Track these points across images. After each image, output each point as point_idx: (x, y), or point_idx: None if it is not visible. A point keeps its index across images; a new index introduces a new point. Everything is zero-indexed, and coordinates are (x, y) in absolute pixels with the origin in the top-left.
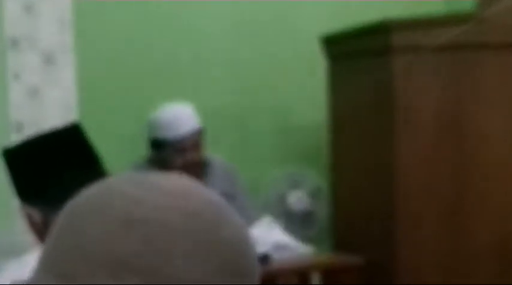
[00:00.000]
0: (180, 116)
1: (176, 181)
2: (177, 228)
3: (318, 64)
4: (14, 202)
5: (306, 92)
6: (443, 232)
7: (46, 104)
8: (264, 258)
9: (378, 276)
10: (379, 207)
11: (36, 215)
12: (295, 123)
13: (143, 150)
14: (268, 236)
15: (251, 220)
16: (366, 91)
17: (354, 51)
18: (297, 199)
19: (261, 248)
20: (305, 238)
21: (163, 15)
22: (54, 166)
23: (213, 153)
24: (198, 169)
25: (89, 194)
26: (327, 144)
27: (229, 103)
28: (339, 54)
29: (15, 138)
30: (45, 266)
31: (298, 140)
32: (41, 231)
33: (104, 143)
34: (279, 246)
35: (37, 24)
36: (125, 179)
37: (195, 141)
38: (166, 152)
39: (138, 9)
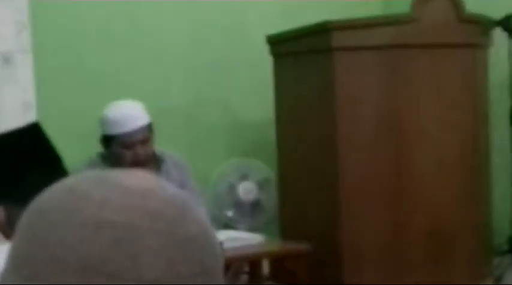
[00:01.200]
0: (127, 112)
1: (138, 179)
2: (142, 229)
3: (265, 63)
4: None
5: (253, 89)
6: (384, 220)
7: (5, 103)
8: None
9: (324, 262)
10: (323, 197)
11: (0, 212)
12: (244, 119)
13: (100, 147)
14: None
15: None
16: (310, 87)
17: (298, 51)
18: (246, 190)
19: None
20: (254, 227)
21: (120, 16)
22: (16, 165)
23: (166, 149)
24: (148, 163)
25: (54, 195)
26: (274, 138)
27: (183, 101)
28: (284, 53)
29: None
30: (14, 267)
31: (246, 135)
32: (4, 228)
33: (62, 141)
34: (230, 237)
35: None
36: (87, 180)
37: (143, 136)
38: (115, 148)
39: (96, 9)
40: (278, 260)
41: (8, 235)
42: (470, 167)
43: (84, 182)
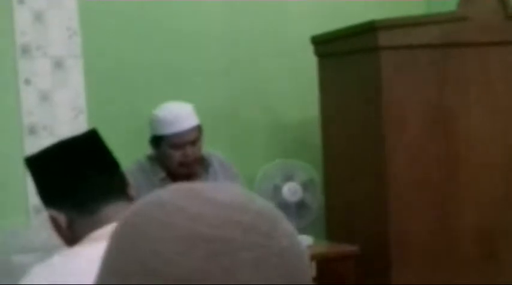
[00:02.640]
0: (178, 113)
1: (228, 192)
2: (237, 243)
3: (309, 64)
4: (30, 200)
5: (297, 90)
6: (433, 221)
7: (56, 107)
8: None
9: (372, 263)
10: (371, 198)
11: (61, 218)
12: (287, 119)
13: (149, 149)
14: None
15: None
16: (356, 87)
17: (343, 50)
18: (291, 191)
19: None
20: (299, 228)
21: (164, 20)
22: (76, 171)
23: (210, 149)
24: (197, 165)
25: (146, 208)
26: (318, 138)
27: (225, 102)
28: (329, 53)
29: (28, 141)
30: (108, 280)
31: (290, 135)
32: (66, 233)
33: (112, 145)
34: None
35: (46, 32)
36: (178, 193)
37: (193, 137)
38: (164, 149)
39: (143, 15)
40: (326, 262)
41: (69, 242)
42: None
43: (176, 196)
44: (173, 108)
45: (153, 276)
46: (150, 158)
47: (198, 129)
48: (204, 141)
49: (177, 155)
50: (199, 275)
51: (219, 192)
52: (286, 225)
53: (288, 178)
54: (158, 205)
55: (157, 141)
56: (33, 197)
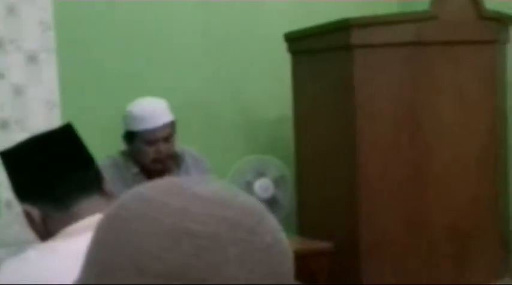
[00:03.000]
0: (152, 109)
1: (212, 188)
2: (222, 239)
3: (282, 61)
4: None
5: (270, 86)
6: (403, 218)
7: (30, 102)
8: None
9: (342, 261)
10: (342, 195)
11: (35, 212)
12: (260, 116)
13: (121, 146)
14: None
15: None
16: (329, 85)
17: (316, 48)
18: (262, 187)
19: None
20: None
21: (139, 15)
22: (51, 166)
23: (183, 145)
24: (170, 161)
25: (131, 204)
26: (290, 135)
27: (199, 98)
28: (303, 50)
29: (0, 136)
30: (92, 275)
31: (262, 132)
32: (39, 228)
33: (86, 139)
34: None
35: (20, 25)
36: (162, 189)
37: (166, 133)
38: (138, 144)
39: (115, 9)
40: (298, 258)
41: (43, 237)
42: (489, 166)
43: (160, 192)
44: (147, 104)
45: (139, 271)
46: (124, 154)
47: (172, 125)
48: (177, 136)
49: (150, 151)
50: (184, 270)
51: (203, 187)
52: (271, 221)
53: (260, 174)
54: (143, 200)
55: (130, 136)
56: (5, 192)
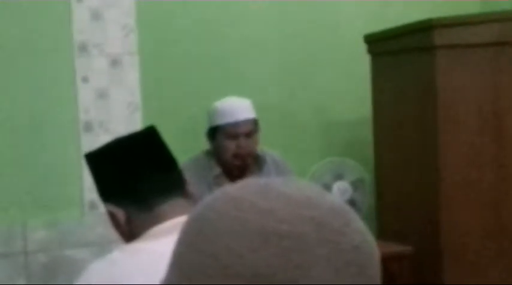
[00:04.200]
0: (235, 105)
1: (299, 188)
2: (310, 239)
3: (362, 62)
4: (86, 195)
5: (348, 88)
6: (486, 222)
7: (113, 104)
8: None
9: (423, 263)
10: (423, 197)
11: (120, 214)
12: (338, 118)
13: (205, 146)
14: None
15: None
16: (410, 86)
17: (397, 49)
18: (341, 190)
19: None
20: None
21: (220, 19)
22: (135, 167)
23: (264, 148)
24: (250, 159)
25: (217, 204)
26: (368, 138)
27: (278, 100)
28: (383, 52)
29: (84, 138)
30: (180, 275)
31: (340, 134)
32: (124, 229)
33: (168, 141)
34: None
35: (103, 30)
36: (249, 189)
37: (248, 129)
38: (219, 139)
39: (197, 12)
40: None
41: (127, 238)
42: None
43: (247, 192)
44: (231, 100)
45: (226, 271)
46: (207, 153)
47: (254, 122)
48: (259, 138)
49: (231, 146)
50: (271, 271)
51: (290, 187)
52: (358, 222)
53: (338, 177)
54: (230, 200)
55: (213, 132)
56: (89, 193)
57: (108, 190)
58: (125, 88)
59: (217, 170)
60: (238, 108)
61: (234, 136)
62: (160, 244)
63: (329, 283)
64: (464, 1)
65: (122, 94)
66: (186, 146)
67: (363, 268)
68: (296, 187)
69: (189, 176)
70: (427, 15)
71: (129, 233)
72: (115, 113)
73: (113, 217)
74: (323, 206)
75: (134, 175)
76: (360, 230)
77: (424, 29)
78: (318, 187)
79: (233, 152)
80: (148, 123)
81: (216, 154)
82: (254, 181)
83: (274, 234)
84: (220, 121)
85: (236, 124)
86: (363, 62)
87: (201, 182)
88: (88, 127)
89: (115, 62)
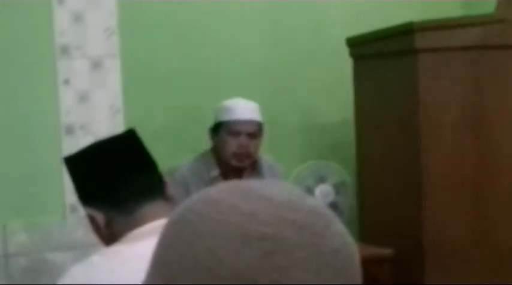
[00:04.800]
0: (241, 104)
1: (279, 190)
2: (291, 242)
3: (344, 65)
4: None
5: (330, 91)
6: (468, 222)
7: (94, 107)
8: None
9: (405, 265)
10: (405, 200)
11: (100, 217)
12: (322, 121)
13: (188, 148)
14: None
15: None
16: (392, 89)
17: (379, 52)
18: (323, 193)
19: None
20: None
21: (202, 20)
22: (115, 170)
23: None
24: (248, 161)
25: (198, 207)
26: (350, 140)
27: (260, 103)
28: (365, 55)
29: (66, 140)
30: (160, 277)
31: (324, 137)
32: (103, 232)
33: (149, 144)
34: None
35: (85, 32)
36: (230, 191)
37: (251, 129)
38: (221, 135)
39: (179, 12)
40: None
41: (107, 241)
42: None
43: (228, 194)
44: (239, 100)
45: (206, 273)
46: (207, 154)
47: (259, 125)
48: (261, 145)
49: (232, 143)
50: (252, 274)
51: (271, 190)
52: (339, 225)
53: (321, 179)
54: (211, 203)
55: (217, 127)
56: (70, 196)
57: (87, 193)
58: (107, 90)
59: (215, 172)
60: (244, 107)
61: (236, 134)
62: (140, 247)
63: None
64: (446, 3)
65: (104, 96)
66: (167, 149)
67: (343, 270)
68: (277, 189)
69: (189, 175)
70: (409, 18)
71: (109, 236)
72: (97, 116)
73: (92, 220)
74: (304, 209)
75: (113, 178)
76: (340, 233)
77: (405, 32)
78: (299, 190)
79: (233, 151)
80: (130, 126)
81: (216, 152)
82: (235, 183)
83: (255, 236)
84: (225, 117)
85: (241, 122)
86: (346, 65)
87: (200, 182)
88: (69, 129)
89: (97, 64)
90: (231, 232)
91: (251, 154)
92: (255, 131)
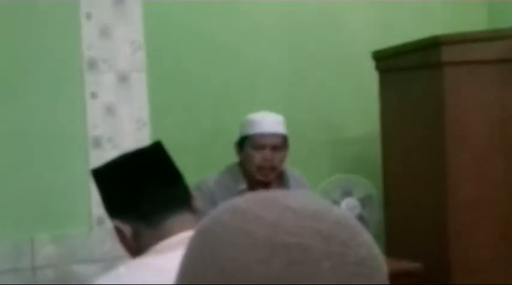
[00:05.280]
0: (265, 117)
1: (305, 201)
2: (316, 251)
3: (370, 79)
4: (93, 211)
5: (356, 105)
6: (496, 239)
7: (120, 120)
8: None
9: (431, 280)
10: (431, 214)
11: (127, 229)
12: (347, 135)
13: (214, 162)
14: None
15: None
16: (418, 103)
17: (405, 66)
18: (349, 206)
19: None
20: None
21: (227, 36)
22: (141, 182)
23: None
24: (273, 175)
25: (224, 216)
26: (377, 154)
27: (287, 117)
28: (391, 68)
29: (93, 153)
30: None
31: (349, 151)
32: (130, 244)
33: (175, 156)
34: None
35: (112, 46)
36: (256, 201)
37: (275, 142)
38: (246, 149)
39: (205, 30)
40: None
41: (133, 253)
42: None
43: (254, 204)
44: (264, 113)
45: (232, 282)
46: (236, 166)
47: (283, 138)
48: (287, 158)
49: (257, 157)
50: (278, 283)
51: (297, 200)
52: (365, 235)
53: (347, 193)
54: (237, 213)
55: (242, 141)
56: (96, 208)
57: (114, 206)
58: (133, 104)
59: (243, 185)
60: (268, 120)
61: (260, 147)
62: (166, 259)
63: None
64: (472, 17)
65: (130, 110)
66: (193, 162)
67: (370, 281)
68: (303, 200)
69: (217, 187)
70: (435, 31)
71: (136, 248)
72: (123, 129)
73: (119, 232)
74: (329, 219)
75: (140, 190)
76: (367, 243)
77: (431, 45)
78: (325, 201)
79: (258, 164)
80: (156, 139)
81: (242, 166)
82: (261, 193)
83: (281, 246)
84: (249, 131)
85: (263, 135)
86: (371, 79)
87: (227, 195)
88: (96, 142)
89: (123, 78)
90: (257, 241)
91: (275, 166)
92: (279, 144)
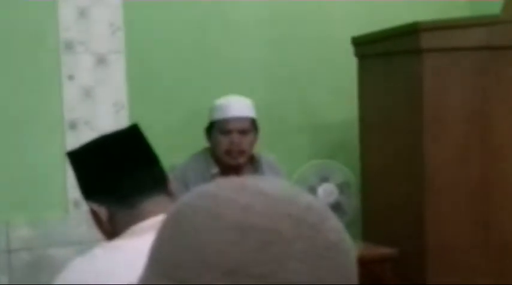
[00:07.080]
0: (231, 102)
1: (276, 186)
2: (288, 234)
3: (348, 65)
4: (69, 194)
5: (335, 91)
6: (470, 222)
7: (98, 103)
8: None
9: (408, 265)
10: (408, 200)
11: (102, 211)
12: (326, 120)
13: (190, 146)
14: None
15: None
16: (397, 89)
17: (384, 52)
18: (326, 192)
19: None
20: None
21: (206, 17)
22: (117, 165)
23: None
24: (243, 158)
25: (196, 201)
26: (354, 140)
27: (265, 102)
28: (370, 54)
29: (69, 135)
30: (158, 270)
31: (328, 136)
32: (106, 227)
33: (153, 139)
34: None
35: (90, 28)
36: (227, 186)
37: (242, 126)
38: (214, 135)
39: (183, 12)
40: (362, 264)
41: (109, 236)
42: None
43: (225, 189)
44: (230, 97)
45: (204, 265)
46: (207, 151)
47: (251, 121)
48: (257, 141)
49: (224, 141)
50: (249, 265)
51: (268, 185)
52: (334, 220)
53: (324, 179)
54: (208, 197)
55: (210, 127)
56: (73, 191)
57: (90, 188)
58: (111, 86)
59: (215, 169)
60: (234, 104)
61: (227, 132)
62: (141, 241)
63: (305, 277)
64: (452, 4)
65: (108, 92)
66: (171, 145)
67: (338, 265)
68: (274, 185)
69: (189, 172)
70: (415, 18)
71: (112, 230)
72: (101, 111)
73: (95, 214)
74: (300, 204)
75: (116, 173)
76: (336, 228)
77: (411, 32)
78: (296, 187)
79: (225, 148)
80: (134, 122)
81: (211, 150)
82: (232, 179)
83: (251, 229)
84: (216, 116)
85: (231, 120)
86: (351, 64)
87: (200, 179)
88: (73, 125)
89: (101, 60)
90: (228, 223)
91: (244, 150)
92: (246, 127)
